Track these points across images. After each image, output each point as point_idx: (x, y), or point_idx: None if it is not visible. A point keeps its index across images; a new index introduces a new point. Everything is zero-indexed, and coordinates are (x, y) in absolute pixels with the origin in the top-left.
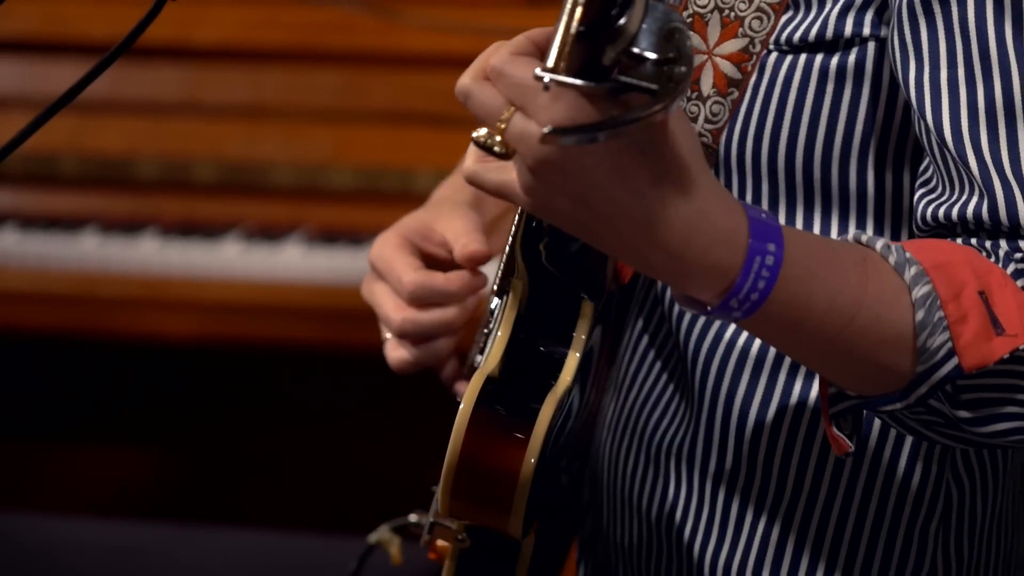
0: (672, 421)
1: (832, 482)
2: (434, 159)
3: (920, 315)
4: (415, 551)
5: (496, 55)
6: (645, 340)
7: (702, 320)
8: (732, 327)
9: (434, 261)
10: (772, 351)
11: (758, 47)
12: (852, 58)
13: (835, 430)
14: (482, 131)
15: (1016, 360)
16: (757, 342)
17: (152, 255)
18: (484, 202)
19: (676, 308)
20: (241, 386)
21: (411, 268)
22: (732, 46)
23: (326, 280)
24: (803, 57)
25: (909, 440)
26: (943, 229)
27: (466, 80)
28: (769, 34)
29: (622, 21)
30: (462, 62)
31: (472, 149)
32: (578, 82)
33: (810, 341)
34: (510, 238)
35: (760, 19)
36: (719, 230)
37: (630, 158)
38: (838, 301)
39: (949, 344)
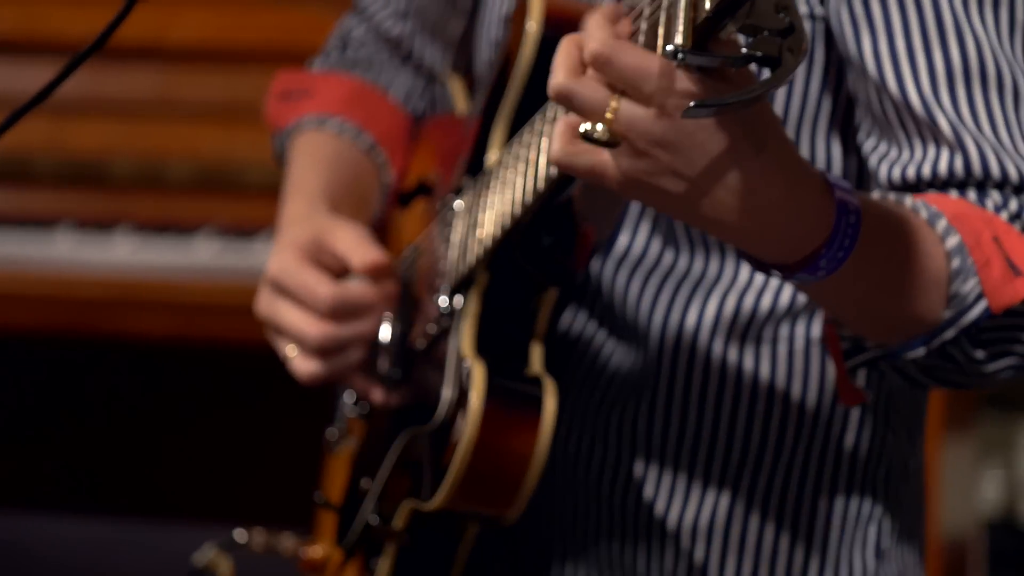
0: (618, 398)
1: (787, 441)
2: None
3: (956, 263)
4: (249, 568)
5: (596, 40)
6: (591, 327)
7: (647, 297)
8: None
9: (330, 273)
10: (710, 317)
11: None
12: None
13: (851, 382)
14: (586, 124)
15: None
16: (694, 314)
17: (126, 254)
18: (340, 208)
19: (618, 288)
20: (216, 385)
21: (324, 282)
22: None
23: None
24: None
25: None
26: (908, 187)
27: (563, 80)
28: None
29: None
30: None
31: (558, 133)
32: (711, 59)
33: (865, 297)
34: (465, 242)
35: None
36: (809, 193)
37: (738, 131)
38: (897, 255)
39: (978, 288)
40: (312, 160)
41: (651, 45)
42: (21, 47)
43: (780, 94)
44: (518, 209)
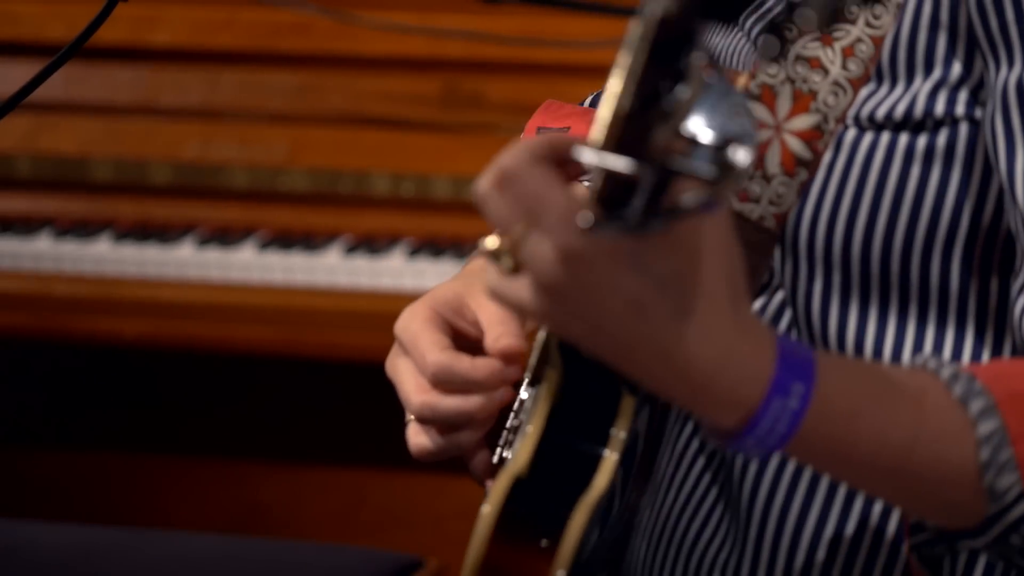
0: (716, 533)
1: None
2: (389, 162)
3: (985, 454)
4: None
5: (511, 157)
6: (686, 438)
7: None
8: None
9: (465, 340)
10: None
11: (832, 124)
12: (942, 139)
13: (916, 562)
14: (494, 240)
15: None
16: None
17: (107, 259)
18: None
19: None
20: (197, 388)
21: (437, 347)
22: (803, 122)
23: (281, 283)
24: (886, 135)
25: (980, 569)
26: None
27: (483, 185)
28: (845, 110)
29: (676, 96)
30: (418, 64)
31: (490, 268)
32: (623, 162)
33: (862, 476)
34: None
35: (836, 94)
36: (743, 369)
37: (644, 291)
38: (889, 439)
39: (1019, 487)
40: None
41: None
42: None
43: (927, 201)
44: None
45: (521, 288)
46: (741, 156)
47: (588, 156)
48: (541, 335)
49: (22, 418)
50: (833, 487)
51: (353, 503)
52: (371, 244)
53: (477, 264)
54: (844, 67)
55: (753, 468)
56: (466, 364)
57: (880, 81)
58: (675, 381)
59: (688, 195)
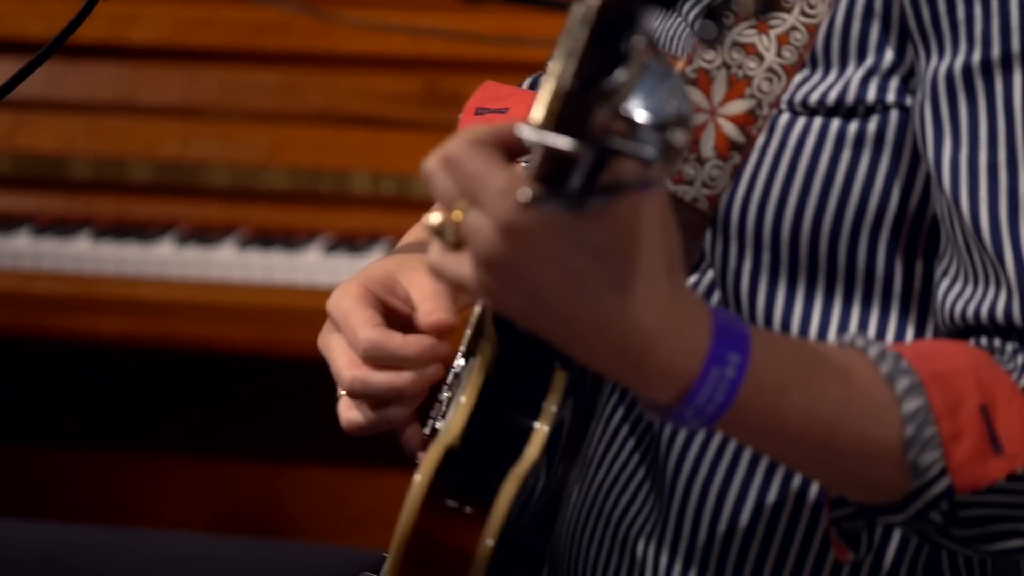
0: (643, 505)
1: None
2: (369, 161)
3: (909, 431)
4: None
5: (455, 142)
6: (618, 417)
7: None
8: None
9: (396, 317)
10: None
11: (766, 110)
12: (873, 125)
13: (836, 536)
14: (438, 217)
15: (1018, 479)
16: None
17: (87, 257)
18: None
19: None
20: (176, 386)
21: (368, 324)
22: (738, 107)
23: (261, 281)
24: (818, 121)
25: (894, 547)
26: (969, 329)
27: (429, 162)
28: (779, 96)
29: (615, 77)
30: (398, 63)
31: (434, 242)
32: (563, 140)
33: (791, 450)
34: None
35: (771, 80)
36: (681, 339)
37: (583, 263)
38: (817, 412)
39: (941, 463)
40: None
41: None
42: None
43: (855, 186)
44: None
45: (461, 263)
46: (678, 137)
47: (529, 134)
48: (476, 309)
49: (1, 416)
50: (755, 461)
51: (333, 502)
52: (351, 243)
53: (408, 242)
54: (779, 54)
55: (679, 442)
56: (397, 341)
57: (814, 67)
58: (612, 354)
59: (626, 174)
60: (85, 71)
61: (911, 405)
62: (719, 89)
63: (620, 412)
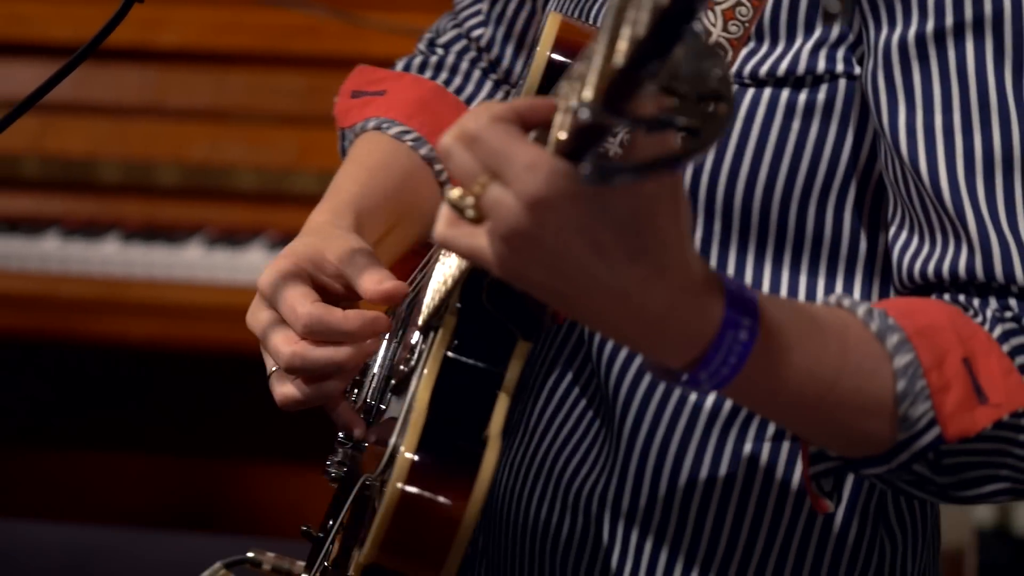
0: (594, 467)
1: (768, 538)
2: None
3: (901, 385)
4: None
5: (473, 119)
6: (565, 384)
7: (634, 368)
8: None
9: (327, 293)
10: (709, 402)
11: None
12: (822, 95)
13: (815, 489)
14: (456, 192)
15: (1001, 427)
16: (694, 394)
17: (115, 260)
18: (364, 228)
19: (605, 353)
20: (203, 389)
21: (307, 299)
22: None
23: None
24: (768, 91)
25: (846, 495)
26: (930, 286)
27: (447, 139)
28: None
29: (663, 56)
30: None
31: (444, 210)
32: (618, 118)
33: (788, 409)
34: (445, 275)
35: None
36: (696, 306)
37: (606, 234)
38: (816, 372)
39: (931, 414)
40: (357, 166)
41: (560, 128)
42: (5, 48)
43: (806, 154)
44: None
45: (474, 235)
46: (722, 109)
47: (583, 111)
48: (438, 285)
49: (29, 417)
50: (712, 419)
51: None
52: None
53: (318, 219)
54: (725, 29)
55: (636, 403)
56: (338, 315)
57: (760, 40)
58: (630, 321)
59: (664, 147)
60: (113, 74)
61: (902, 360)
62: None
63: (567, 379)
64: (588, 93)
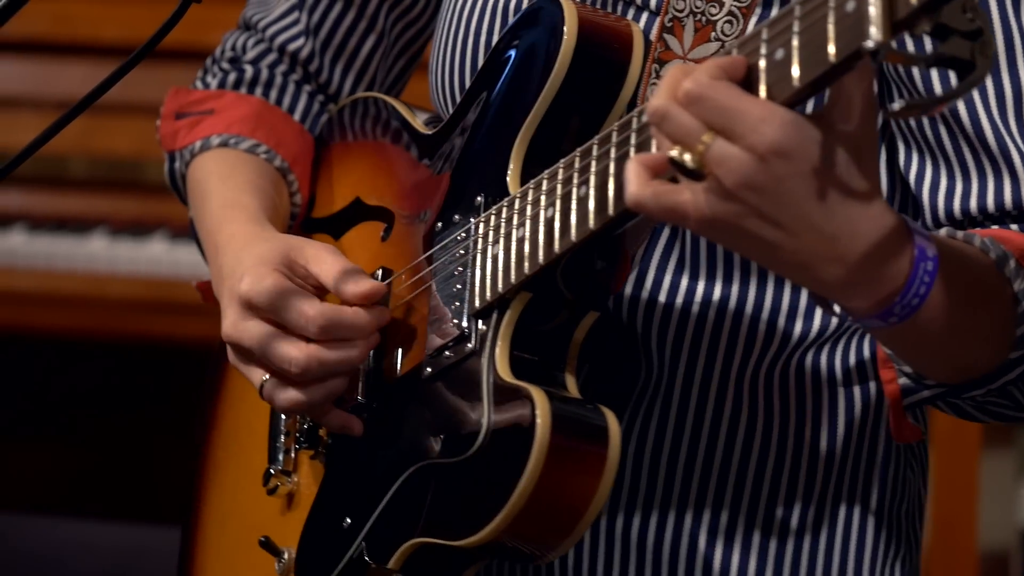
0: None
1: (840, 470)
2: None
3: (1023, 307)
4: None
5: (691, 80)
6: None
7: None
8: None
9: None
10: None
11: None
12: None
13: (909, 418)
14: (676, 150)
15: None
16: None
17: (163, 260)
18: (275, 224)
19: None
20: None
21: (314, 302)
22: (704, 51)
23: None
24: None
25: (883, 436)
26: (972, 221)
27: (662, 102)
28: (738, 37)
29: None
30: None
31: (632, 174)
32: (907, 56)
33: (936, 342)
34: (494, 267)
35: (731, 22)
36: (892, 240)
37: (826, 178)
38: (967, 298)
39: None
40: (239, 180)
41: (778, 79)
42: (54, 48)
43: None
44: (575, 234)
45: (681, 193)
46: (989, 42)
47: (875, 49)
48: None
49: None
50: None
51: None
52: None
53: (247, 229)
54: None
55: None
56: (349, 313)
57: (769, 5)
58: (835, 264)
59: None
60: (161, 75)
61: (1020, 284)
62: (688, 36)
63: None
64: (875, 32)
